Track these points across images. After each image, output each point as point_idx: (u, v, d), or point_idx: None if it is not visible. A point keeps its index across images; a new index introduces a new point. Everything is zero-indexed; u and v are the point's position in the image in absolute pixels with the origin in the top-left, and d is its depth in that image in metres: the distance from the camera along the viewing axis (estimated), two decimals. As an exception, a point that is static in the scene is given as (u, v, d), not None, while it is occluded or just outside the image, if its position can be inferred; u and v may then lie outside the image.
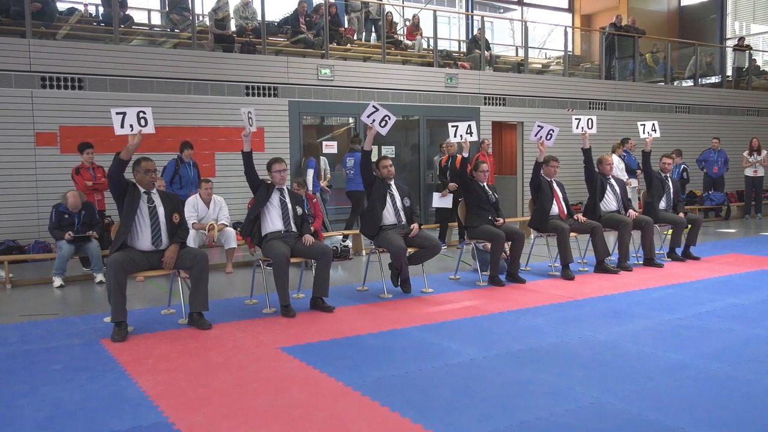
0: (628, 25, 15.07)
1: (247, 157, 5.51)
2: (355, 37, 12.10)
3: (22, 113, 8.49)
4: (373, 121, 5.90)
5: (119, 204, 4.93)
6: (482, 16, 14.63)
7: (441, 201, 8.62)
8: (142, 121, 4.89)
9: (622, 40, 14.67)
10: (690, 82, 15.96)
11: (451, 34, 16.94)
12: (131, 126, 4.87)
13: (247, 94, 9.97)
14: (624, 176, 10.16)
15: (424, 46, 12.99)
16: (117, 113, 4.86)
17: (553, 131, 6.88)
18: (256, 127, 5.61)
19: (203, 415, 3.23)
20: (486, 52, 12.82)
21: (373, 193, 6.14)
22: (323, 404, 3.35)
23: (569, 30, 14.99)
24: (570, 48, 14.48)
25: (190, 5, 10.05)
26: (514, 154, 13.10)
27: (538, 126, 6.92)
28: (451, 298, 5.90)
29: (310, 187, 9.01)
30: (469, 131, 6.59)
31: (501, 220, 6.67)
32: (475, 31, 13.74)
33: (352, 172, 9.37)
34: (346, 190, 9.66)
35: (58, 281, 6.75)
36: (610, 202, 7.40)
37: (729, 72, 16.62)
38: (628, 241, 7.17)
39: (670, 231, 7.80)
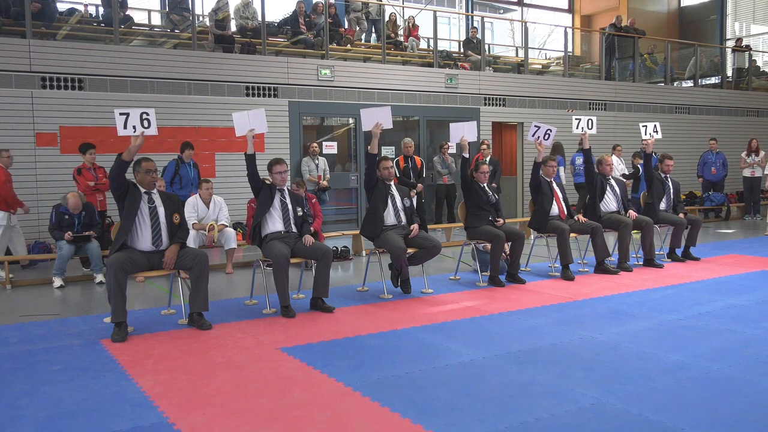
0: (627, 26, 15.08)
1: (251, 160, 5.51)
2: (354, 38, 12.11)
3: (22, 113, 8.49)
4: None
5: (120, 204, 4.93)
6: (482, 17, 14.63)
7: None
8: (145, 123, 4.89)
9: (622, 41, 14.68)
10: (690, 83, 15.97)
11: (451, 34, 16.94)
12: (134, 127, 4.87)
13: (247, 95, 9.97)
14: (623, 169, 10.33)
15: (422, 45, 12.99)
16: (120, 114, 4.85)
17: (551, 131, 6.89)
18: (265, 128, 5.60)
19: (203, 415, 3.23)
20: (484, 53, 12.81)
21: (375, 195, 6.14)
22: (323, 404, 3.35)
23: (569, 31, 14.99)
24: (570, 49, 14.48)
25: (190, 6, 10.05)
26: (514, 155, 13.11)
27: (536, 126, 6.93)
28: (451, 299, 5.90)
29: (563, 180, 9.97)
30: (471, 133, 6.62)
31: (501, 221, 6.68)
32: (470, 32, 13.71)
33: (581, 167, 10.63)
34: (574, 182, 10.86)
35: (58, 281, 6.75)
36: (610, 203, 7.40)
37: (729, 73, 16.63)
38: (628, 242, 7.17)
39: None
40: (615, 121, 13.68)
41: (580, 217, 7.15)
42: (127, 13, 10.02)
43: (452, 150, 10.67)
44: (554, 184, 7.13)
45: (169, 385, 3.68)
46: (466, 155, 6.61)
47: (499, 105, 12.43)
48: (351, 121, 11.24)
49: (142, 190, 5.03)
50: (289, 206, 5.68)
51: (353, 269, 7.90)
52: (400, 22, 12.94)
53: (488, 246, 6.57)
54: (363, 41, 12.48)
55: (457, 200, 10.55)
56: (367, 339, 4.58)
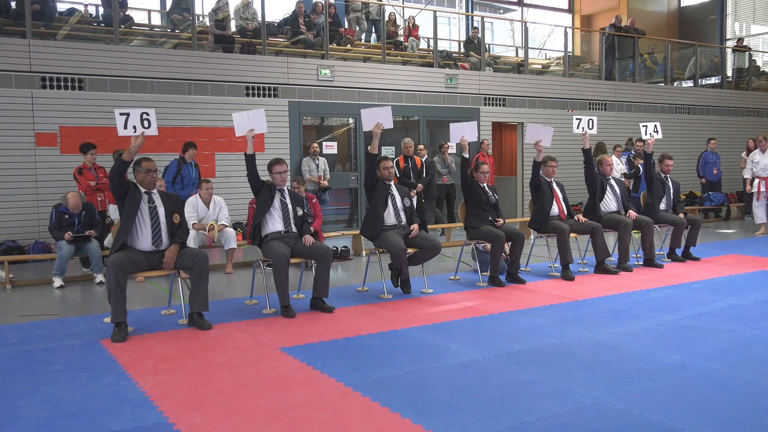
0: (627, 26, 15.08)
1: (250, 160, 5.52)
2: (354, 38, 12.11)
3: (22, 113, 8.49)
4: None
5: (120, 204, 4.94)
6: (482, 17, 14.63)
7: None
8: (146, 123, 4.89)
9: (622, 41, 14.68)
10: (690, 83, 15.97)
11: (451, 34, 16.94)
12: (134, 127, 4.87)
13: (247, 95, 9.97)
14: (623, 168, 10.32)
15: (422, 45, 12.99)
16: (120, 114, 4.85)
17: (549, 131, 6.90)
18: (265, 128, 5.61)
19: (203, 416, 3.23)
20: (485, 54, 12.80)
21: (375, 195, 6.14)
22: (323, 405, 3.35)
23: (569, 31, 14.99)
24: (570, 49, 14.48)
25: (190, 6, 10.05)
26: (514, 155, 13.11)
27: (535, 127, 6.94)
28: (451, 299, 5.90)
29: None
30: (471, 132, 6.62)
31: (501, 221, 6.67)
32: (471, 32, 13.71)
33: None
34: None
35: (58, 281, 6.75)
36: (610, 203, 7.40)
37: (729, 73, 16.63)
38: (628, 242, 7.17)
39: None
40: (615, 121, 13.68)
41: (580, 217, 7.15)
42: (127, 13, 10.02)
43: (452, 150, 10.67)
44: (554, 185, 7.12)
45: (169, 385, 3.68)
46: (466, 155, 6.61)
47: (499, 105, 12.42)
48: (351, 121, 11.24)
49: (142, 190, 5.03)
50: (289, 206, 5.68)
51: (353, 269, 7.90)
52: (400, 22, 12.94)
53: (488, 246, 6.57)
54: (363, 41, 12.48)
55: (456, 200, 10.54)
56: (367, 339, 4.58)
